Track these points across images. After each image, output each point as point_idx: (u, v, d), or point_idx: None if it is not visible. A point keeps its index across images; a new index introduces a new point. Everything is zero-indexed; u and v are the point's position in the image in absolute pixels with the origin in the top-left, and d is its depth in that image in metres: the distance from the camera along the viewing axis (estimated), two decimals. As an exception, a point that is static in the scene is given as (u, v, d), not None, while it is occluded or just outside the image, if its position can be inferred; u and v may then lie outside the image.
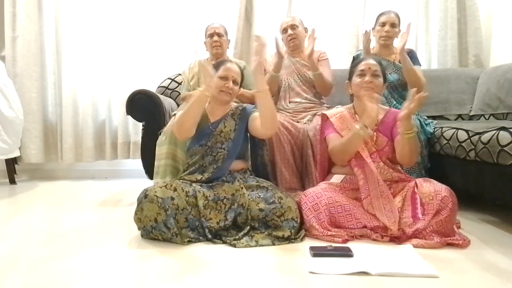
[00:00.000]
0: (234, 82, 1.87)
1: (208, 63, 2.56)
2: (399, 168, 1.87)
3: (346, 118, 1.90)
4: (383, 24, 2.43)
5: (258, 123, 1.78)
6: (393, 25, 2.42)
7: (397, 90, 2.46)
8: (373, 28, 2.54)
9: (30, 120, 3.20)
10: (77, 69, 3.29)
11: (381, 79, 1.85)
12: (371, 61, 1.86)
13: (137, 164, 2.86)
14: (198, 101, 1.73)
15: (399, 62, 2.41)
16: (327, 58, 2.63)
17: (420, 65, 2.49)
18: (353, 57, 2.61)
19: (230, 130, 1.84)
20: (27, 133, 3.22)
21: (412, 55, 2.47)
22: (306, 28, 2.68)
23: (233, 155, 1.84)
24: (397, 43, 2.41)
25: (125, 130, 3.32)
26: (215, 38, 2.59)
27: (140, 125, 3.24)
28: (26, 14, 3.20)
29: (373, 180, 1.73)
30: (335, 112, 1.94)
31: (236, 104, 1.93)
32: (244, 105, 1.96)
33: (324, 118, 1.96)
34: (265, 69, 2.71)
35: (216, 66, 1.91)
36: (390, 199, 1.69)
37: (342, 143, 1.79)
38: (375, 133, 1.84)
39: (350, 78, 1.93)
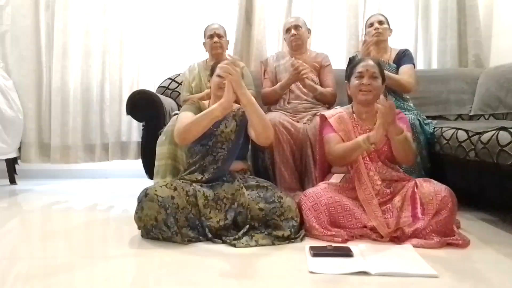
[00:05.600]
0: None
1: (209, 64, 2.57)
2: (398, 167, 1.87)
3: (344, 119, 1.89)
4: (371, 25, 2.53)
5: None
6: (380, 22, 2.51)
7: (391, 90, 2.45)
8: (365, 35, 2.62)
9: None
10: (71, 67, 3.24)
11: (379, 81, 1.85)
12: (369, 63, 1.86)
13: (137, 163, 2.86)
14: (211, 119, 1.74)
15: (393, 62, 2.47)
16: (330, 64, 2.62)
17: (413, 64, 2.49)
18: (349, 58, 2.60)
19: (231, 131, 1.84)
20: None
21: (405, 53, 2.50)
22: (309, 29, 2.69)
23: (233, 155, 1.84)
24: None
25: (117, 130, 3.28)
26: (215, 39, 2.58)
27: (135, 125, 3.24)
28: (15, 8, 3.15)
29: (363, 182, 1.73)
30: (333, 113, 1.94)
31: (238, 105, 1.94)
32: None
33: (323, 118, 1.96)
34: (265, 71, 2.72)
35: (213, 69, 1.94)
36: (380, 203, 1.69)
37: (342, 149, 1.78)
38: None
39: (348, 79, 1.93)
